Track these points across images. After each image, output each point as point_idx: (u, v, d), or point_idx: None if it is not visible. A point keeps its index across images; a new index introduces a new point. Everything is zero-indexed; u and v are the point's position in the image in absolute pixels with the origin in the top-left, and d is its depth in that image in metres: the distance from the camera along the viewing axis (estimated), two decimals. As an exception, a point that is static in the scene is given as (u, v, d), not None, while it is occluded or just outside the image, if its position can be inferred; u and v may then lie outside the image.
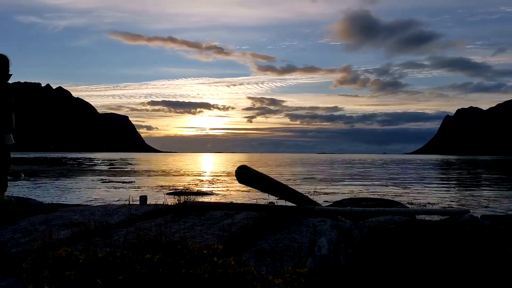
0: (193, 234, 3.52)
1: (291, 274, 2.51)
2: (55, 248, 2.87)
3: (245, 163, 4.04)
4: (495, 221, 5.74)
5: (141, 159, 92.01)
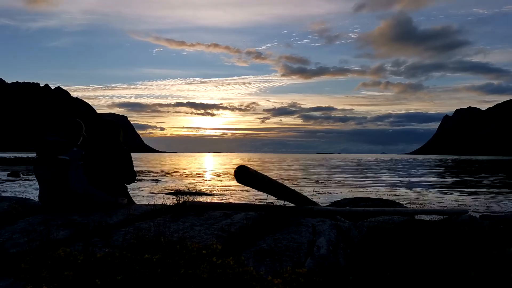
0: (192, 234, 3.52)
1: (290, 274, 2.51)
2: (54, 248, 2.86)
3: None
4: (494, 221, 5.74)
5: (140, 159, 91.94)
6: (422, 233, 4.01)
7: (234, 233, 3.45)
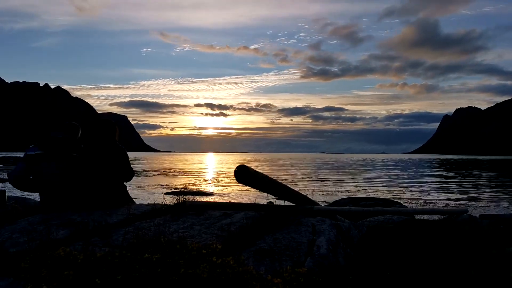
0: (192, 233, 3.52)
1: (290, 273, 2.51)
2: (54, 247, 2.86)
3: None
4: (493, 221, 5.75)
5: (140, 159, 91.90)
6: (422, 233, 4.01)
7: (234, 232, 3.45)
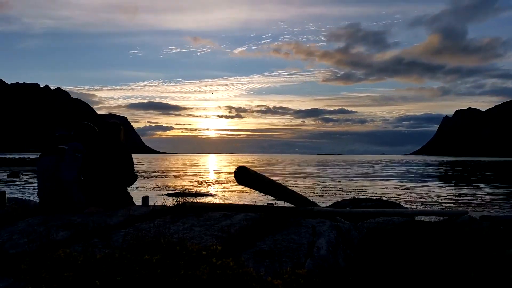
0: (192, 235, 3.52)
1: (290, 275, 2.50)
2: (54, 249, 2.86)
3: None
4: (493, 222, 5.74)
5: (139, 160, 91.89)
6: (422, 234, 4.01)
7: (234, 234, 3.45)
